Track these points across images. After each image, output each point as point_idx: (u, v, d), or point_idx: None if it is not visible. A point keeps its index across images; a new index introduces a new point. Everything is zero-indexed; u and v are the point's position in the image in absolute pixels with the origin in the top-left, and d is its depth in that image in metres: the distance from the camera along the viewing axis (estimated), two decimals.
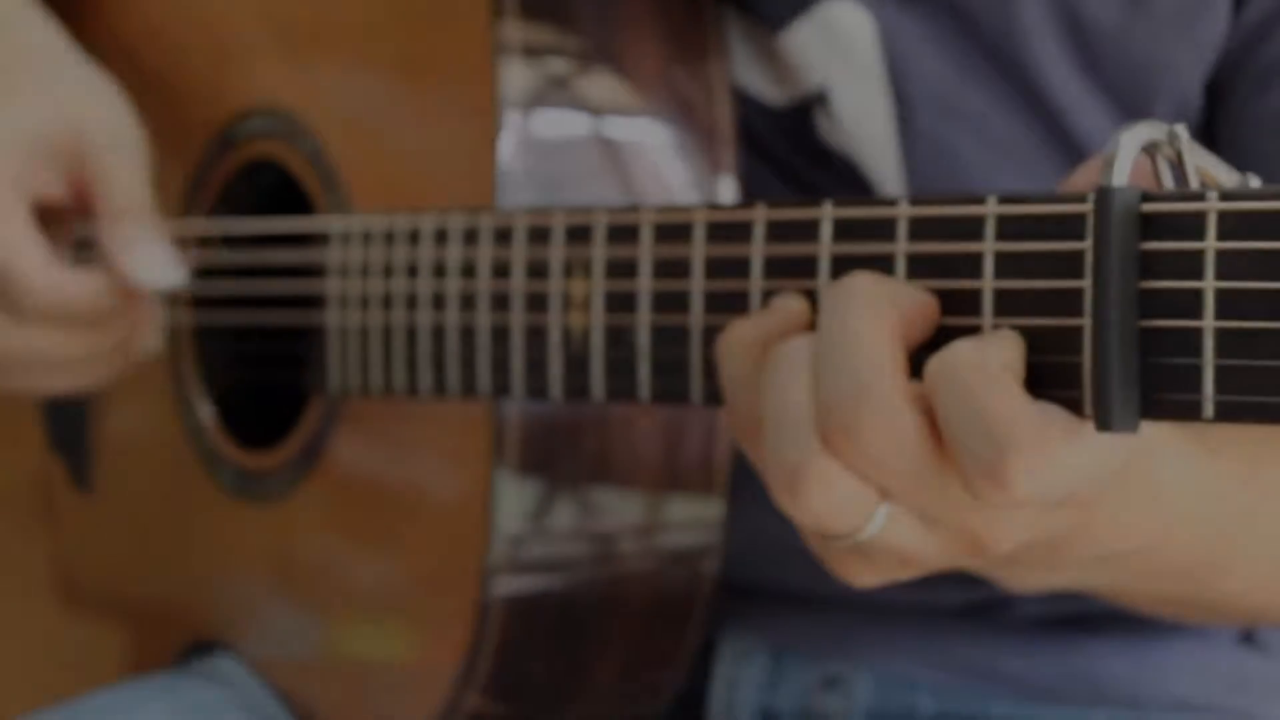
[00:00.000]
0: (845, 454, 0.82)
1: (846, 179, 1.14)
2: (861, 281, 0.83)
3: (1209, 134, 1.09)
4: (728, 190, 1.13)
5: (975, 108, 1.10)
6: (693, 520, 1.14)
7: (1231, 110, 1.08)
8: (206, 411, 1.29)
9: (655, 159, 1.12)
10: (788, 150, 1.16)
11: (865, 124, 1.12)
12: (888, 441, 0.81)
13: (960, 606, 1.19)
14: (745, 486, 1.13)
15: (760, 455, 0.88)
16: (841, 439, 0.82)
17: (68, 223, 1.25)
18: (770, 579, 1.21)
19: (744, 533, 1.17)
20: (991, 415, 0.79)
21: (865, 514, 0.84)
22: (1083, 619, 1.19)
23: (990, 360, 0.80)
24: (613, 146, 1.11)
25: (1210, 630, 1.19)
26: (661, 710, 1.20)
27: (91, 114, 1.21)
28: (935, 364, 0.81)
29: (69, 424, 1.41)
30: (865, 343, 0.82)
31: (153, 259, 1.19)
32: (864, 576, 0.89)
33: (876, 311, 0.82)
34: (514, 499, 1.09)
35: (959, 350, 0.80)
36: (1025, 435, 0.79)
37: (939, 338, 0.83)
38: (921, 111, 1.11)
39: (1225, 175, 0.79)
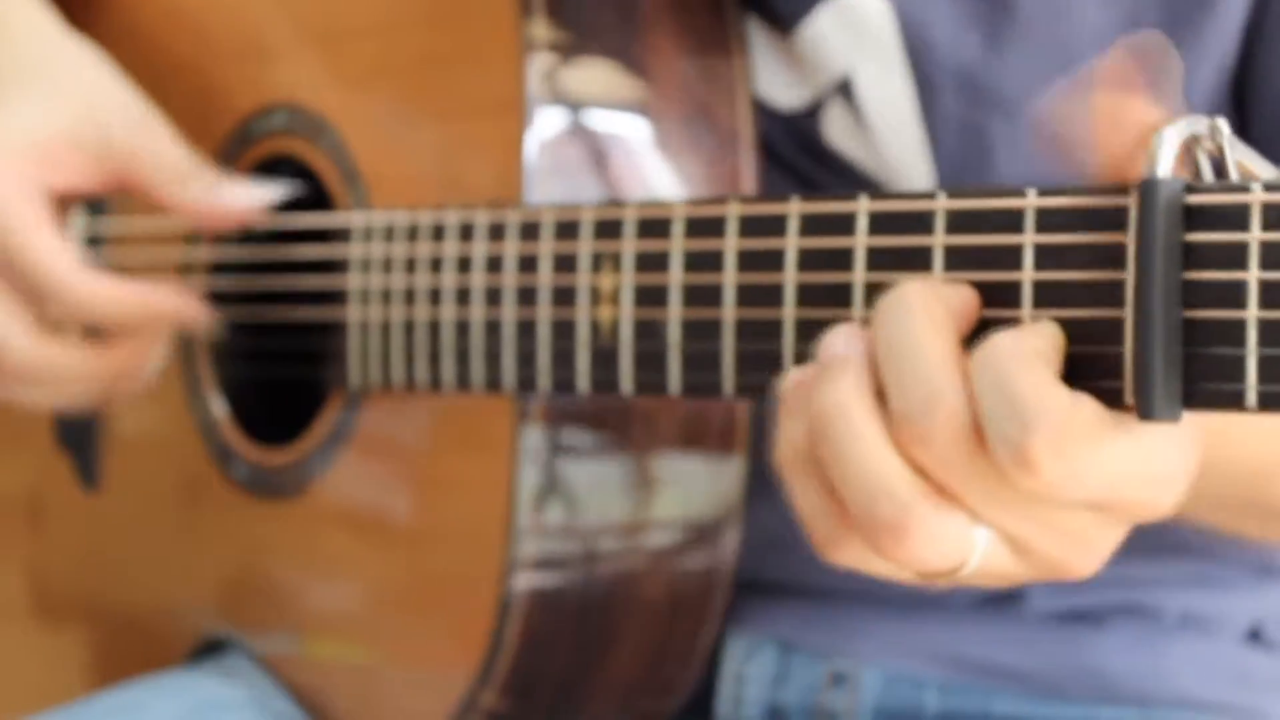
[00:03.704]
0: (924, 465, 0.82)
1: (852, 182, 1.14)
2: (913, 290, 0.83)
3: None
4: (749, 190, 1.14)
5: (1005, 86, 1.10)
6: (711, 515, 1.15)
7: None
8: (220, 407, 1.29)
9: (678, 159, 1.13)
10: (795, 153, 1.17)
11: (890, 109, 1.12)
12: (963, 447, 0.81)
13: (967, 603, 1.19)
14: (754, 483, 1.14)
15: (807, 492, 0.86)
16: (919, 450, 0.81)
17: (72, 219, 1.25)
18: (778, 575, 1.21)
19: (752, 529, 1.17)
20: (1018, 393, 0.79)
21: (968, 548, 0.83)
22: (1090, 615, 1.19)
23: (1024, 346, 0.80)
24: (635, 146, 1.12)
25: (1217, 627, 1.20)
26: (674, 707, 1.21)
27: (102, 99, 1.20)
28: (976, 356, 0.81)
29: (79, 420, 1.40)
30: (931, 352, 0.82)
31: (239, 191, 1.20)
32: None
33: (934, 317, 0.82)
34: (535, 495, 1.09)
35: (997, 340, 0.81)
36: (1050, 414, 0.79)
37: (978, 330, 0.83)
38: (945, 93, 1.11)
39: (1265, 169, 0.80)
